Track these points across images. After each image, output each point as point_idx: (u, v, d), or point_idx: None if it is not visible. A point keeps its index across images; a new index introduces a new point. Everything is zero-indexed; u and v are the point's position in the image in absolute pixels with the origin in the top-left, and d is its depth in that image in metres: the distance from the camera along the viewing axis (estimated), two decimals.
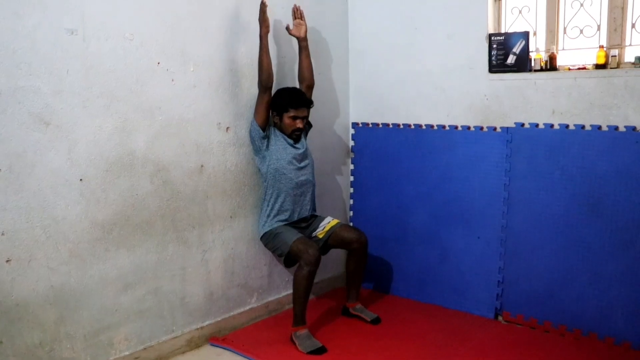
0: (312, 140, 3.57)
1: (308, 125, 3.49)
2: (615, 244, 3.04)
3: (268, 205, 3.32)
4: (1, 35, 2.32)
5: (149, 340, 2.98)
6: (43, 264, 2.53)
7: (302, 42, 3.43)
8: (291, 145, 3.31)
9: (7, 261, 2.42)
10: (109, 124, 2.72)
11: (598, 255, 3.10)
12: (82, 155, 2.63)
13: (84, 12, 2.57)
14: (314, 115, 3.51)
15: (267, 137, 3.26)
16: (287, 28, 3.43)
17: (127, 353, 2.87)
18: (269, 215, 3.33)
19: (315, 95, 3.51)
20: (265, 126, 3.25)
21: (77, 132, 2.60)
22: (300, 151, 3.34)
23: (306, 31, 3.43)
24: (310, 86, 3.47)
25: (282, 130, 3.31)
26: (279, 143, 3.28)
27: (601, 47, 3.09)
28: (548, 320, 3.29)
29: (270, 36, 3.27)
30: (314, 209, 3.49)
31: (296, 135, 3.31)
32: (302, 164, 3.34)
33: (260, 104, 3.23)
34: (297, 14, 3.43)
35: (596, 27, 3.18)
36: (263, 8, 3.17)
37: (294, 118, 3.26)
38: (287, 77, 3.55)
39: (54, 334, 2.59)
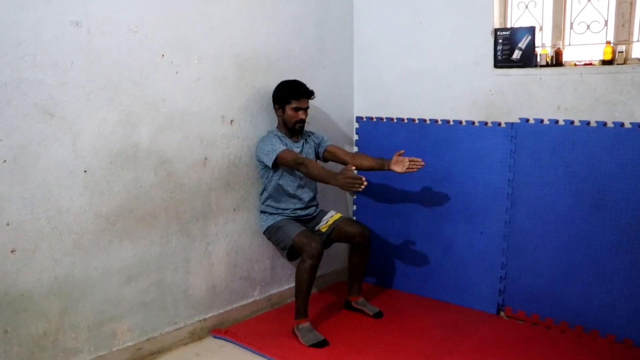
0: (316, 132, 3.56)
1: (320, 160, 3.48)
2: (618, 240, 3.03)
3: (269, 210, 3.36)
4: (6, 28, 2.33)
5: (152, 331, 3.00)
6: (47, 255, 2.55)
7: (385, 167, 3.29)
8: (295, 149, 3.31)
9: (12, 251, 2.44)
10: (113, 116, 2.72)
11: (601, 252, 3.09)
12: (86, 147, 2.64)
13: (88, 4, 2.57)
14: (318, 109, 3.52)
15: (275, 170, 3.27)
16: (400, 152, 3.27)
17: (130, 344, 2.90)
18: (271, 212, 3.35)
19: (319, 89, 3.50)
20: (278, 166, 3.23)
21: (81, 124, 2.61)
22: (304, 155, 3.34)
23: (396, 172, 3.26)
24: (347, 164, 3.26)
25: (285, 123, 3.30)
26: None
27: (608, 42, 3.07)
28: (550, 317, 3.29)
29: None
30: (317, 203, 3.51)
31: (299, 127, 3.31)
32: (303, 182, 3.36)
33: (286, 164, 3.17)
34: (412, 164, 3.23)
35: (603, 23, 3.16)
36: (355, 188, 2.87)
37: (297, 109, 3.26)
38: (294, 71, 3.54)
39: (58, 324, 2.62)
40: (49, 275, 2.57)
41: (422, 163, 3.25)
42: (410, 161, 3.24)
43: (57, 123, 2.53)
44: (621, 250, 3.03)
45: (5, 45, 2.33)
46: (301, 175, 3.28)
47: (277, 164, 3.19)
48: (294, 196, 3.33)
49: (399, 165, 3.25)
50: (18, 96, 2.39)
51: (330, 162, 3.52)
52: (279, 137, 3.27)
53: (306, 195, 3.38)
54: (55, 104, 2.51)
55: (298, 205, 3.36)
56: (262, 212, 3.40)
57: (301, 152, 3.36)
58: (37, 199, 2.49)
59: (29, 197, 2.47)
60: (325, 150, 3.46)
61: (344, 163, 3.35)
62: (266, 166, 3.25)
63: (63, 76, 2.52)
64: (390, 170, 3.27)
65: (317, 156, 3.49)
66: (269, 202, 3.35)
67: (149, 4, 2.81)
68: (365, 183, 2.86)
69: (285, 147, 3.20)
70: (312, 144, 3.45)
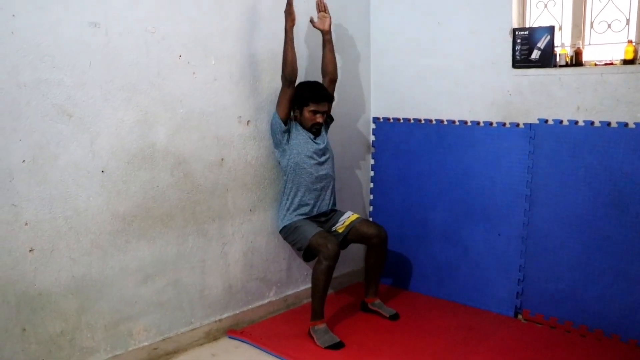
0: (332, 134, 3.56)
1: (330, 119, 3.48)
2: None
3: (288, 199, 3.32)
4: (26, 29, 2.35)
5: (168, 331, 3.01)
6: (65, 254, 2.57)
7: (326, 36, 3.41)
8: (312, 140, 3.30)
9: (30, 251, 2.46)
10: (130, 117, 2.74)
11: (622, 255, 3.04)
12: (103, 147, 2.66)
13: (106, 6, 2.59)
14: (335, 109, 3.50)
15: (288, 131, 3.26)
16: (312, 21, 3.40)
17: (146, 344, 2.91)
18: (288, 209, 3.33)
19: (336, 90, 3.50)
20: (286, 120, 3.25)
21: (99, 125, 2.63)
22: (321, 146, 3.33)
23: (330, 24, 3.40)
24: (333, 80, 3.46)
25: (302, 124, 3.30)
26: (300, 137, 3.28)
27: (630, 41, 3.02)
28: (569, 320, 3.25)
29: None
30: (334, 203, 3.48)
31: (316, 129, 3.30)
32: (323, 159, 3.34)
33: (283, 97, 3.22)
34: (322, 6, 3.40)
35: (625, 21, 3.11)
36: (290, 1, 3.15)
37: (314, 112, 3.25)
38: (308, 70, 3.54)
39: (75, 323, 2.64)
40: (66, 274, 2.58)
41: (325, 3, 3.40)
42: (318, 9, 3.39)
43: (75, 123, 2.55)
44: None
45: (25, 47, 2.35)
46: (316, 150, 3.29)
47: (283, 114, 3.22)
48: (310, 173, 3.28)
49: (324, 21, 3.39)
50: (37, 96, 2.41)
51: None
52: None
53: (324, 171, 3.35)
54: (74, 105, 2.53)
55: (316, 185, 3.32)
56: (281, 204, 3.37)
57: (326, 145, 3.38)
58: (55, 198, 2.51)
59: (47, 197, 2.49)
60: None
61: (331, 84, 3.46)
62: (283, 150, 3.26)
63: (81, 77, 2.54)
64: (327, 30, 3.40)
65: (327, 123, 3.49)
66: (288, 186, 3.31)
67: (167, 5, 2.83)
68: None
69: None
70: (325, 127, 3.46)
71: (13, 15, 2.31)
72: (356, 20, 3.90)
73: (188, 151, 3.00)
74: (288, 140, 3.27)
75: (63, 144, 2.51)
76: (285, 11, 3.14)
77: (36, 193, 2.45)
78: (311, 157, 3.28)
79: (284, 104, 3.22)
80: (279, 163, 3.36)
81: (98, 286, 2.70)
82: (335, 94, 3.44)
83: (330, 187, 3.42)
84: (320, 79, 3.44)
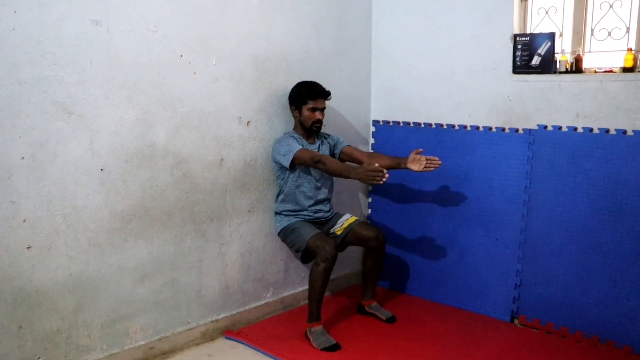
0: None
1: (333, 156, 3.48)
2: (636, 250, 2.99)
3: (284, 211, 3.35)
4: (27, 26, 2.35)
5: (164, 331, 3.00)
6: (63, 252, 2.57)
7: (402, 165, 3.25)
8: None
9: (28, 248, 2.45)
10: (130, 115, 2.74)
11: (619, 261, 3.05)
12: (103, 145, 2.65)
13: (108, 4, 2.59)
14: (335, 112, 3.51)
15: (292, 170, 3.26)
16: (417, 151, 3.23)
17: (142, 343, 2.91)
18: (287, 215, 3.34)
19: (336, 92, 3.50)
20: (294, 166, 3.23)
21: (99, 123, 2.63)
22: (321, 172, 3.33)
23: (413, 170, 3.21)
24: (363, 163, 3.22)
25: (302, 125, 3.30)
26: (301, 167, 3.28)
27: (629, 49, 3.03)
28: (565, 326, 3.25)
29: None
30: (332, 212, 3.50)
31: (316, 127, 3.30)
32: (320, 183, 3.36)
33: (304, 163, 3.16)
34: (429, 163, 3.19)
35: (625, 29, 3.12)
36: (377, 181, 2.85)
37: (313, 110, 3.26)
38: (310, 72, 3.53)
39: (71, 321, 2.63)
40: (63, 272, 2.58)
41: (439, 162, 3.21)
42: (427, 160, 3.20)
43: (75, 121, 2.54)
44: (639, 259, 2.98)
45: (26, 43, 2.35)
46: (317, 177, 3.27)
47: (295, 164, 3.19)
48: (310, 198, 3.32)
49: (416, 163, 3.21)
50: (38, 94, 2.41)
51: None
52: (295, 138, 3.27)
53: (322, 195, 3.37)
54: (74, 102, 2.53)
55: (314, 208, 3.35)
56: (277, 213, 3.39)
57: (318, 150, 3.36)
58: (53, 196, 2.51)
59: (46, 194, 2.48)
60: (341, 151, 3.45)
61: (360, 163, 3.33)
62: (282, 167, 3.25)
63: (82, 74, 2.54)
64: (407, 168, 3.23)
65: (332, 154, 3.48)
66: (284, 204, 3.34)
67: (169, 4, 2.83)
68: (387, 175, 2.84)
69: (301, 147, 3.19)
70: (328, 145, 3.44)
71: (14, 12, 2.31)
72: (358, 24, 3.90)
73: (187, 151, 3.00)
74: (290, 171, 3.28)
75: (62, 142, 2.51)
76: (366, 178, 2.87)
77: (35, 190, 2.45)
78: (310, 182, 3.32)
79: (300, 163, 3.17)
80: (276, 174, 3.37)
81: (95, 284, 2.70)
82: (336, 97, 3.45)
83: (327, 204, 3.45)
84: (320, 82, 3.40)
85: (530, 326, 3.39)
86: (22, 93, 2.36)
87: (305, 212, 3.34)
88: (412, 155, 3.23)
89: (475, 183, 3.57)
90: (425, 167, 3.19)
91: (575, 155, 3.16)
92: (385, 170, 2.84)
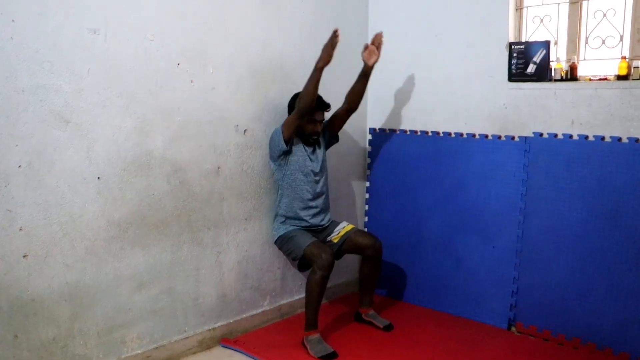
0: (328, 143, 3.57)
1: (334, 140, 3.50)
2: (633, 257, 3.00)
3: (282, 213, 3.33)
4: (25, 35, 2.36)
5: (161, 339, 2.99)
6: (59, 261, 2.56)
7: (367, 70, 3.34)
8: (309, 158, 3.31)
9: (24, 256, 2.45)
10: (127, 124, 2.74)
11: (615, 268, 3.06)
12: (100, 154, 2.66)
13: (106, 13, 2.61)
14: None
15: (288, 152, 3.26)
16: (365, 47, 3.33)
17: (139, 351, 2.89)
18: (283, 222, 3.34)
19: (333, 100, 3.49)
20: (289, 141, 3.23)
21: (96, 131, 2.63)
22: (317, 164, 3.34)
23: (376, 62, 3.33)
24: (352, 110, 3.43)
25: (300, 134, 3.30)
26: (297, 154, 3.28)
27: (623, 57, 3.06)
28: (562, 333, 3.25)
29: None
30: (329, 219, 3.48)
31: (313, 139, 3.31)
32: (318, 177, 3.35)
33: (292, 124, 3.16)
34: (377, 42, 3.32)
35: (619, 38, 3.14)
36: (334, 42, 3.00)
37: (312, 121, 3.26)
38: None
39: (67, 330, 2.62)
40: (60, 280, 2.57)
41: (381, 34, 3.33)
42: (373, 42, 3.33)
43: (73, 129, 2.55)
44: (636, 265, 2.99)
45: (24, 52, 2.36)
46: (313, 170, 3.29)
47: (287, 137, 3.17)
48: (306, 190, 3.29)
49: (370, 55, 3.32)
50: (35, 102, 2.41)
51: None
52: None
53: (318, 188, 3.35)
54: (71, 111, 2.53)
55: (311, 203, 3.32)
56: (276, 215, 3.38)
57: (323, 163, 3.38)
58: (50, 204, 2.51)
59: (43, 203, 2.48)
60: (329, 128, 3.47)
61: (343, 115, 3.44)
62: (279, 164, 3.26)
63: (79, 83, 2.55)
64: (370, 65, 3.33)
65: (329, 143, 3.50)
66: (283, 201, 3.32)
67: (166, 13, 2.84)
68: (337, 29, 3.00)
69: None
70: (322, 140, 3.45)
71: (13, 21, 2.32)
72: (354, 31, 3.92)
73: (184, 159, 3.00)
74: (286, 158, 3.27)
75: (60, 150, 2.51)
76: (325, 50, 3.04)
77: (31, 198, 2.44)
78: (307, 175, 3.29)
79: (291, 129, 3.18)
80: (274, 175, 3.36)
81: (92, 293, 2.69)
82: (332, 105, 3.44)
83: (325, 204, 3.43)
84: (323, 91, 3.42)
85: (527, 333, 3.39)
86: (20, 101, 2.37)
87: (303, 211, 3.31)
88: (364, 55, 3.33)
89: (471, 190, 3.58)
90: (377, 48, 3.33)
91: (571, 163, 3.18)
92: (335, 29, 3.01)
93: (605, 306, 3.10)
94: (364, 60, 3.35)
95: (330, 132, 3.48)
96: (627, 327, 3.04)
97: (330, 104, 3.35)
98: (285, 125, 3.18)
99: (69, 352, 2.63)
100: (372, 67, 3.35)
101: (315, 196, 3.34)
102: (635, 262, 2.99)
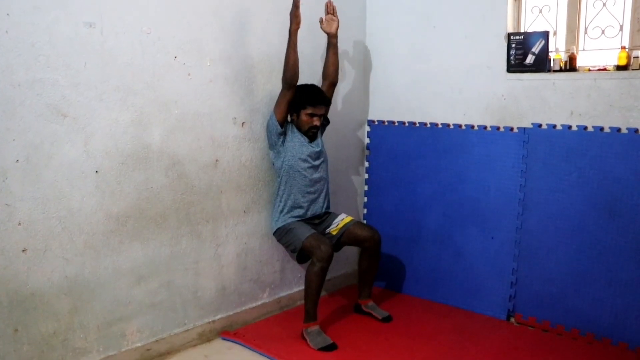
0: (327, 136, 3.57)
1: (326, 122, 3.48)
2: (631, 247, 3.00)
3: (281, 202, 3.32)
4: (21, 29, 2.34)
5: (161, 332, 3.00)
6: (58, 255, 2.56)
7: (332, 39, 3.40)
8: (307, 143, 3.30)
9: (23, 251, 2.45)
10: (125, 117, 2.73)
11: (614, 259, 3.06)
12: (98, 147, 2.65)
13: (102, 6, 2.59)
14: (330, 112, 3.50)
15: (284, 134, 3.26)
16: (320, 22, 3.39)
17: (139, 345, 2.90)
18: (282, 211, 3.33)
19: (334, 96, 3.50)
20: (283, 122, 3.24)
21: (93, 125, 2.62)
22: (316, 149, 3.33)
23: (337, 27, 3.39)
24: (334, 84, 3.47)
25: (298, 127, 3.30)
26: (295, 140, 3.28)
27: (623, 48, 3.04)
28: (561, 324, 3.26)
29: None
30: (327, 206, 3.48)
31: (312, 133, 3.31)
32: (317, 162, 3.34)
33: (282, 100, 3.20)
34: (330, 9, 3.38)
35: (618, 28, 3.13)
36: (296, 3, 3.08)
37: (311, 115, 3.25)
38: (305, 73, 3.53)
39: (67, 323, 2.63)
40: (59, 274, 2.58)
41: (330, 2, 3.38)
42: (328, 12, 3.38)
43: (70, 123, 2.54)
44: (634, 256, 2.99)
45: (20, 46, 2.35)
46: (311, 154, 3.29)
47: (280, 117, 3.20)
48: (304, 176, 3.28)
49: (331, 24, 3.39)
50: (32, 96, 2.40)
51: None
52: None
53: (317, 174, 3.34)
54: (68, 105, 2.52)
55: (310, 189, 3.32)
56: (275, 205, 3.37)
57: (321, 149, 3.37)
58: (48, 198, 2.50)
59: (41, 197, 2.48)
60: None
61: (331, 87, 3.47)
62: (277, 151, 3.26)
63: (76, 77, 2.54)
64: (333, 33, 3.39)
65: (324, 125, 3.48)
66: (282, 188, 3.31)
67: (163, 6, 2.82)
68: None
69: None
70: (321, 130, 3.44)
71: (7, 14, 2.30)
72: (352, 24, 3.90)
73: (182, 152, 2.99)
74: (283, 142, 3.26)
75: (57, 144, 2.51)
76: (291, 13, 3.11)
77: (30, 193, 2.44)
78: (305, 160, 3.28)
79: (283, 106, 3.21)
80: (273, 165, 3.36)
81: (91, 287, 2.70)
82: (332, 101, 3.45)
83: (325, 191, 3.42)
84: (319, 81, 3.44)
85: (526, 324, 3.40)
86: (16, 96, 2.36)
87: (302, 197, 3.30)
88: (324, 27, 3.40)
89: (470, 182, 3.58)
90: (333, 17, 3.39)
91: (569, 154, 3.17)
92: None
93: (604, 297, 3.11)
94: (325, 31, 3.41)
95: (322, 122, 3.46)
96: (625, 318, 3.05)
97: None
98: (276, 105, 3.22)
99: (69, 346, 2.64)
100: (335, 34, 3.39)
101: (314, 181, 3.33)
102: (633, 252, 3.00)
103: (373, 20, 3.99)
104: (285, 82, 3.16)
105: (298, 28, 3.12)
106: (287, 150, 3.26)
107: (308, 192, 3.31)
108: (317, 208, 3.38)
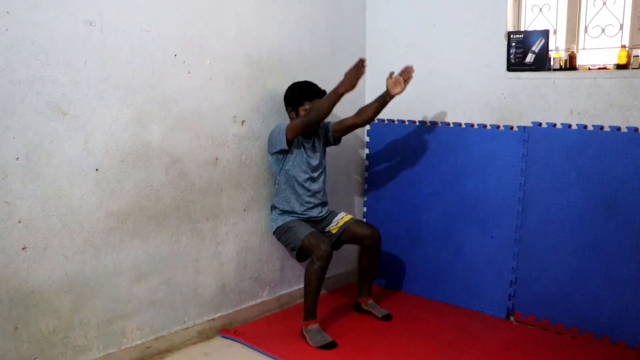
0: None
1: (336, 142, 3.49)
2: (631, 246, 3.00)
3: (280, 205, 3.33)
4: (20, 27, 2.35)
5: (161, 330, 3.01)
6: (58, 252, 2.57)
7: (388, 98, 3.28)
8: (307, 155, 3.30)
9: (24, 249, 2.45)
10: (125, 115, 2.74)
11: (613, 258, 3.06)
12: (98, 145, 2.65)
13: (102, 4, 2.59)
14: None
15: (288, 152, 3.25)
16: (390, 75, 3.26)
17: (138, 342, 2.91)
18: (281, 213, 3.34)
19: (331, 90, 3.49)
20: (292, 143, 3.22)
21: (93, 123, 2.62)
22: (316, 162, 3.34)
23: (400, 93, 3.25)
24: (358, 125, 3.42)
25: None
26: (298, 154, 3.27)
27: (623, 46, 3.04)
28: (560, 322, 3.26)
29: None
30: (326, 212, 3.47)
31: (313, 129, 3.30)
32: (316, 174, 3.35)
33: (298, 131, 3.16)
34: (405, 75, 3.24)
35: (619, 26, 3.13)
36: (360, 73, 2.97)
37: (310, 111, 3.25)
38: (305, 71, 3.53)
39: (68, 321, 2.63)
40: (59, 272, 2.58)
41: (412, 68, 3.25)
42: (403, 74, 3.24)
43: (70, 121, 2.54)
44: (634, 255, 2.99)
45: (19, 44, 2.35)
46: (311, 166, 3.28)
47: (291, 139, 3.17)
48: (303, 187, 3.29)
49: (397, 86, 3.23)
50: (31, 94, 2.40)
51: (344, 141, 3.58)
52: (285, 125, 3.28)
53: (316, 186, 3.35)
54: (68, 103, 2.53)
55: (308, 199, 3.33)
56: (273, 207, 3.38)
57: (321, 161, 3.37)
58: (48, 196, 2.51)
59: (41, 195, 2.48)
60: (333, 130, 3.43)
61: (353, 125, 3.40)
62: (277, 158, 3.25)
63: (76, 75, 2.54)
64: (392, 95, 3.25)
65: (329, 142, 3.47)
66: (280, 195, 3.32)
67: (162, 4, 2.83)
68: (364, 58, 2.98)
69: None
70: (321, 136, 3.43)
71: (7, 12, 2.30)
72: (352, 22, 3.91)
73: (182, 150, 3.00)
74: (285, 156, 3.26)
75: (57, 142, 2.51)
76: (349, 74, 3.00)
77: (30, 191, 2.44)
78: (305, 172, 3.29)
79: (295, 134, 3.18)
80: (272, 168, 3.36)
81: (91, 284, 2.70)
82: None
83: (323, 199, 3.43)
84: (314, 80, 3.41)
85: (526, 323, 3.40)
86: (16, 93, 2.36)
87: (299, 206, 3.31)
88: (389, 82, 3.25)
89: (470, 180, 3.58)
90: (405, 82, 3.23)
91: (569, 152, 3.17)
92: (362, 58, 2.97)
93: (604, 295, 3.11)
94: (387, 88, 3.27)
95: (333, 136, 3.45)
96: (625, 316, 3.05)
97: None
98: (291, 129, 3.16)
99: (69, 344, 2.64)
100: (392, 97, 3.27)
101: (312, 194, 3.34)
102: (633, 251, 3.00)
103: (372, 18, 3.99)
104: (307, 123, 3.14)
105: (347, 92, 3.02)
106: (287, 160, 3.27)
107: (306, 202, 3.33)
108: (316, 213, 3.39)
